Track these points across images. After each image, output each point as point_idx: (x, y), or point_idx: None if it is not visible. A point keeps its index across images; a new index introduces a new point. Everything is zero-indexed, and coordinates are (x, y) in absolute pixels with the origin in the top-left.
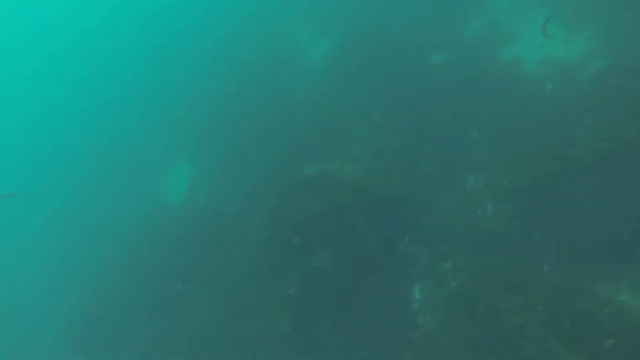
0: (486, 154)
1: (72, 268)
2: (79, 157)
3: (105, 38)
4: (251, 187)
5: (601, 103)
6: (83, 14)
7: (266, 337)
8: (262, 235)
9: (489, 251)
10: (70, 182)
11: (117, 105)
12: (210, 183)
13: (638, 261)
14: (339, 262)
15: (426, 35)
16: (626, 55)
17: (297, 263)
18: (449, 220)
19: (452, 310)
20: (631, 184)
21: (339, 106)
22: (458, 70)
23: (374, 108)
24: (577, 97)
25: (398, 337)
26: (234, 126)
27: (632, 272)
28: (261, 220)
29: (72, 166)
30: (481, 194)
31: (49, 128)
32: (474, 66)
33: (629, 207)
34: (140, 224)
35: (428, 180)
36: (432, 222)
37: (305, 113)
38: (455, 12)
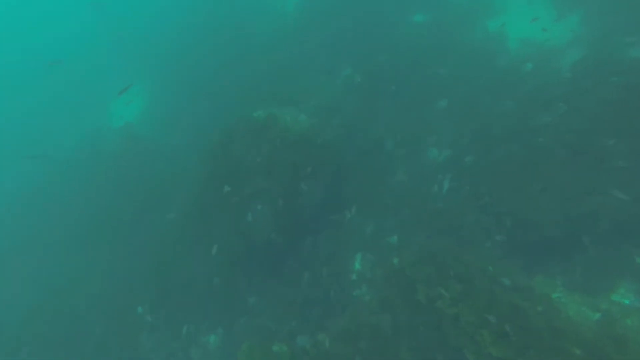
0: (453, 127)
1: None
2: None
3: None
4: (196, 121)
5: (576, 93)
6: None
7: (190, 291)
8: (198, 177)
9: (437, 231)
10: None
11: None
12: (158, 112)
13: (579, 260)
14: (275, 220)
15: None
16: (606, 48)
17: (231, 216)
18: (402, 192)
19: (389, 288)
20: (587, 184)
21: (305, 53)
22: (437, 34)
23: (343, 60)
24: (554, 82)
25: (328, 307)
26: (194, 58)
27: (572, 270)
28: (199, 160)
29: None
30: (441, 169)
31: None
32: (455, 32)
33: (581, 206)
34: (77, 141)
35: (386, 146)
36: (384, 192)
37: (268, 54)
38: None
